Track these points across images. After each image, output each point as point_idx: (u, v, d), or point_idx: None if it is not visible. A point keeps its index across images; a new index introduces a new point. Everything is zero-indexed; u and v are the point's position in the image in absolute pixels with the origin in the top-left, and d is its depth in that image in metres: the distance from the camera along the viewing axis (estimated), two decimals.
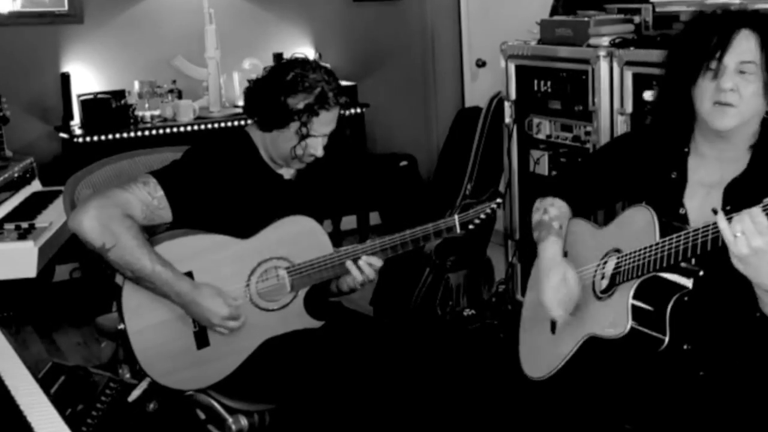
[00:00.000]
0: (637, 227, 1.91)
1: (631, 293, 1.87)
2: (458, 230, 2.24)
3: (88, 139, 4.17)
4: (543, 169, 3.40)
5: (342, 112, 2.29)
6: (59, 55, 4.54)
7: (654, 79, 2.87)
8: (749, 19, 1.87)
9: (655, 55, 2.84)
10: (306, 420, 2.18)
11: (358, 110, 4.81)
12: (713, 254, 1.73)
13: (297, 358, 2.22)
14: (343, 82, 2.48)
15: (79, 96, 4.30)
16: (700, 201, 1.96)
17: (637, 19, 3.19)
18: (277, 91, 2.21)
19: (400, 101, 5.45)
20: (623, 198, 2.20)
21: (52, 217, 3.28)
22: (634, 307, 1.86)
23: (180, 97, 4.57)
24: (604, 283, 1.98)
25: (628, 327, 1.85)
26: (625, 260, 1.90)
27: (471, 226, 2.27)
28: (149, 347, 2.15)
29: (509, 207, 3.62)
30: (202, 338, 2.19)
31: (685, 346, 1.91)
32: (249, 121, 2.34)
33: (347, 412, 2.16)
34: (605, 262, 1.99)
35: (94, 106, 4.22)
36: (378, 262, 2.25)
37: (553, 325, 2.11)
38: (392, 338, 2.40)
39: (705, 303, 1.90)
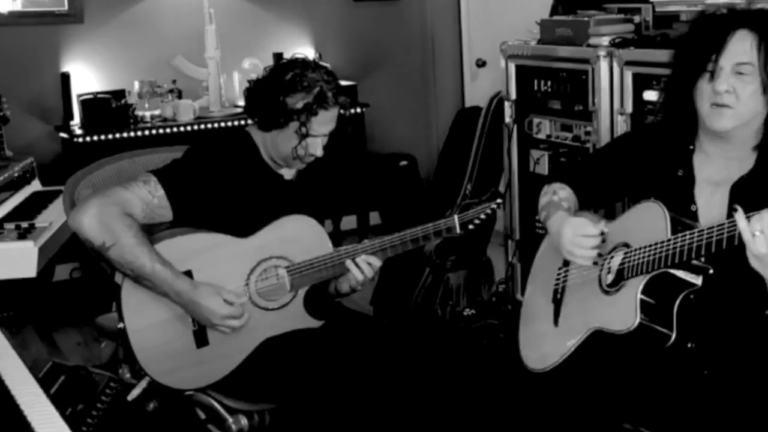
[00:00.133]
0: (647, 223, 1.91)
1: (641, 288, 1.87)
2: (458, 230, 2.25)
3: (88, 139, 4.16)
4: (543, 169, 3.40)
5: (342, 112, 2.29)
6: (59, 55, 4.54)
7: (654, 79, 2.88)
8: (748, 19, 1.87)
9: (655, 55, 2.85)
10: (306, 420, 2.18)
11: (358, 110, 4.81)
12: (725, 253, 1.73)
13: (297, 357, 2.22)
14: (343, 82, 2.48)
15: (79, 96, 4.30)
16: (707, 198, 1.97)
17: (637, 18, 3.20)
18: (276, 91, 2.21)
19: (400, 101, 5.45)
20: (628, 195, 2.20)
21: (52, 217, 3.28)
22: (642, 302, 1.86)
23: (180, 97, 4.57)
24: (610, 277, 1.98)
25: (637, 322, 1.84)
26: (635, 255, 1.90)
27: (471, 226, 2.27)
28: (148, 346, 2.15)
29: (509, 207, 3.62)
30: (201, 337, 2.19)
31: (689, 345, 1.91)
32: (249, 122, 2.34)
33: (347, 412, 2.16)
34: (612, 257, 1.99)
35: (94, 105, 4.21)
36: (377, 262, 2.25)
37: (556, 317, 2.11)
38: (392, 338, 2.40)
39: (713, 301, 1.90)
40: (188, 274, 2.16)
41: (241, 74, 4.62)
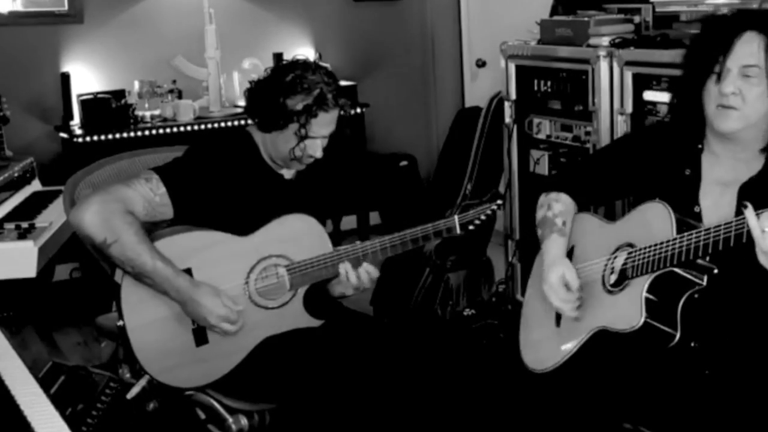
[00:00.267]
0: (652, 223, 1.91)
1: (645, 287, 1.87)
2: (458, 231, 2.25)
3: (88, 139, 4.16)
4: (543, 169, 3.40)
5: (342, 113, 2.29)
6: (59, 55, 4.54)
7: (654, 79, 2.88)
8: (756, 21, 1.87)
9: (655, 55, 2.85)
10: (306, 420, 2.18)
11: (358, 110, 4.81)
12: (730, 252, 1.73)
13: (297, 357, 2.22)
14: (343, 82, 2.48)
15: (79, 96, 4.30)
16: (714, 199, 1.97)
17: (637, 19, 3.20)
18: (276, 92, 2.21)
19: (400, 101, 5.45)
20: (632, 194, 2.20)
21: (52, 217, 3.28)
22: (647, 300, 1.86)
23: (180, 97, 4.57)
24: (613, 277, 1.98)
25: (641, 320, 1.84)
26: (639, 255, 1.90)
27: (471, 227, 2.28)
28: (148, 344, 2.15)
29: (509, 207, 3.62)
30: (200, 336, 2.19)
31: (692, 344, 1.91)
32: (250, 122, 2.34)
33: (347, 412, 2.16)
34: (615, 257, 1.99)
35: (94, 106, 4.21)
36: (375, 273, 2.25)
37: (558, 318, 2.11)
38: (392, 338, 2.40)
39: (717, 301, 1.90)
40: (188, 271, 2.16)
41: (241, 74, 4.62)
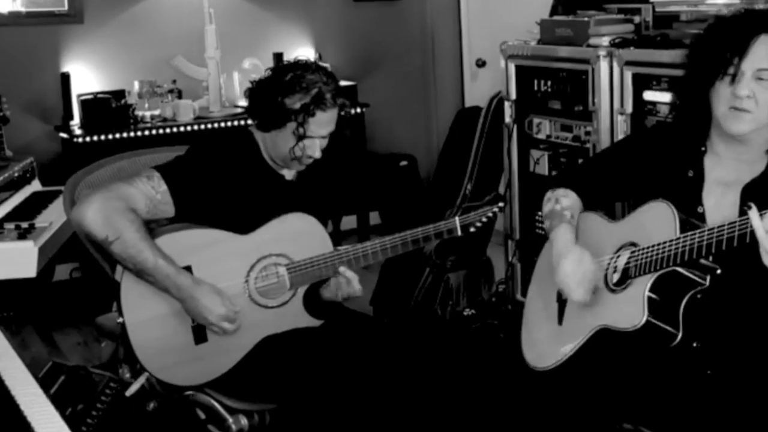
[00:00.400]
0: (656, 222, 1.91)
1: (648, 286, 1.87)
2: (459, 232, 2.25)
3: (88, 139, 4.16)
4: (543, 169, 3.40)
5: (342, 113, 2.28)
6: (59, 55, 4.54)
7: (654, 79, 2.88)
8: None
9: (655, 55, 2.85)
10: (306, 420, 2.18)
11: (358, 110, 4.81)
12: (733, 252, 1.74)
13: (297, 357, 2.22)
14: (343, 82, 2.48)
15: (79, 96, 4.30)
16: (717, 200, 1.97)
17: (637, 19, 3.20)
18: (275, 92, 2.22)
19: (400, 101, 5.45)
20: (635, 195, 2.20)
21: (52, 217, 3.28)
22: (650, 299, 1.86)
23: (180, 97, 4.57)
24: (616, 276, 1.98)
25: (644, 319, 1.84)
26: (642, 254, 1.90)
27: (472, 229, 2.28)
28: (147, 341, 2.15)
29: (509, 207, 3.62)
30: (200, 334, 2.19)
31: (694, 344, 1.91)
32: (251, 122, 2.34)
33: (347, 412, 2.16)
34: (618, 256, 1.99)
35: (94, 106, 4.21)
36: (354, 279, 2.26)
37: (561, 316, 2.11)
38: (392, 338, 2.40)
39: (719, 301, 1.90)
40: (188, 269, 2.16)
41: (241, 74, 4.62)
